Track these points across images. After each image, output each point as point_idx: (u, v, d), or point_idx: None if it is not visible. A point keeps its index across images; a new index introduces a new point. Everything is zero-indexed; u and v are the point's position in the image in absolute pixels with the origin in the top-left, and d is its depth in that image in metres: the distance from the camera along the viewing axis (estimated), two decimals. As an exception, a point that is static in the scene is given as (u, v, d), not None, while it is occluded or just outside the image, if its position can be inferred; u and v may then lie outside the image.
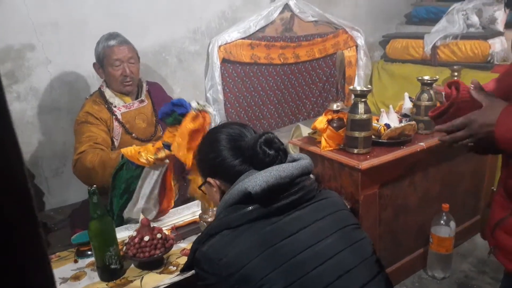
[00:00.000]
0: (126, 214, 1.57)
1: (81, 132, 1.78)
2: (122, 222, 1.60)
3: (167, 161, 1.49)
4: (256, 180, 0.95)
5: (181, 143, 1.33)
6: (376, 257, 1.02)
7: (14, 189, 0.34)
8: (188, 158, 1.33)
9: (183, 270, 1.03)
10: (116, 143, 1.89)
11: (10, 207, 0.33)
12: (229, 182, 1.03)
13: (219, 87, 2.63)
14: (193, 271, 1.27)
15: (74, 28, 2.16)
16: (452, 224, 2.00)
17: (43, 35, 2.09)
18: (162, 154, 1.44)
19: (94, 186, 1.22)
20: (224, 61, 2.63)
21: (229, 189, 1.01)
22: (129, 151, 1.49)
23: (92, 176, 1.63)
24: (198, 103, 1.34)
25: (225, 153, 1.04)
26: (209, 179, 1.08)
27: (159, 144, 1.45)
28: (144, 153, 1.45)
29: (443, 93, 2.41)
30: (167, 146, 1.41)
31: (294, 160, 1.04)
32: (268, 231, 0.93)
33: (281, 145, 1.04)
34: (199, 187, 1.19)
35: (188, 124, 1.32)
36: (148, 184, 1.52)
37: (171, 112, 1.38)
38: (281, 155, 1.03)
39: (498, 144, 0.89)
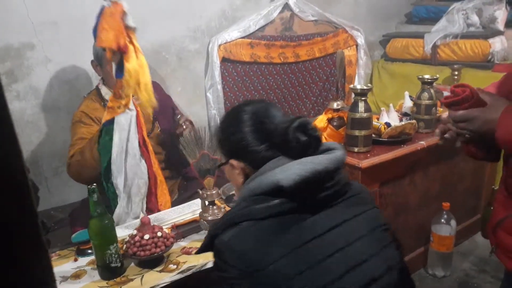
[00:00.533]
0: (114, 178, 1.59)
1: (74, 133, 1.81)
2: (115, 194, 1.62)
3: (132, 108, 1.58)
4: (288, 173, 0.86)
5: (106, 28, 1.44)
6: (403, 265, 0.96)
7: (13, 189, 0.34)
8: (111, 40, 1.42)
9: (198, 253, 0.96)
10: None
11: (10, 206, 0.33)
12: (254, 167, 0.95)
13: (219, 86, 2.63)
14: (189, 273, 1.27)
15: (73, 27, 2.15)
16: (453, 222, 2.00)
17: (42, 34, 2.09)
18: (117, 88, 1.52)
19: (94, 184, 1.21)
20: (224, 60, 2.63)
21: (255, 176, 0.93)
22: (103, 116, 1.60)
23: (83, 164, 1.66)
24: None
25: (249, 137, 0.95)
26: (232, 161, 0.99)
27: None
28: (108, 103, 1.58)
29: (444, 92, 2.41)
30: (118, 73, 1.50)
31: (327, 149, 0.94)
32: (297, 229, 0.86)
33: (315, 132, 0.94)
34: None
35: (106, 11, 1.45)
36: (121, 133, 1.56)
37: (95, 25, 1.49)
38: (315, 143, 0.93)
39: (498, 144, 0.89)
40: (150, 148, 1.68)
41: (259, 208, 0.87)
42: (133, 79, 1.47)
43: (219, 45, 2.57)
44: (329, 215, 0.90)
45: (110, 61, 1.55)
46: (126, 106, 1.56)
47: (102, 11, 1.45)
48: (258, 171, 0.93)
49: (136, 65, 1.47)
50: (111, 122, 1.57)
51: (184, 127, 1.86)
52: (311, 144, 0.92)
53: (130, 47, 1.46)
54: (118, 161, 1.58)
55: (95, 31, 1.48)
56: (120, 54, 1.46)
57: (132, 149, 1.59)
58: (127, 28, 1.45)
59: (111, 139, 1.57)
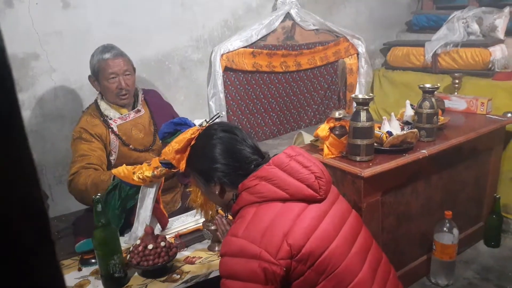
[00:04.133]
0: (127, 241, 1.55)
1: (75, 150, 1.79)
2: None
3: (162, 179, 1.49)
4: None
5: (176, 147, 1.26)
6: None
7: (31, 216, 0.35)
8: (182, 163, 1.26)
9: None
10: (114, 156, 1.87)
11: (28, 232, 0.35)
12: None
13: (222, 95, 2.64)
14: (192, 283, 1.27)
15: (78, 37, 2.18)
16: (455, 231, 2.00)
17: (47, 44, 2.11)
18: (162, 171, 1.41)
19: (99, 194, 1.22)
20: (226, 69, 2.65)
21: None
22: (121, 171, 1.47)
23: (86, 196, 1.63)
24: (205, 122, 1.29)
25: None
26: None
27: (155, 163, 1.43)
28: (139, 173, 1.43)
29: (445, 100, 2.42)
30: (166, 165, 1.38)
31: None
32: None
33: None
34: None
35: (188, 133, 1.26)
36: (147, 203, 1.49)
37: (174, 132, 1.37)
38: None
39: None
40: (161, 201, 1.62)
41: None
42: None
43: (222, 55, 2.60)
44: None
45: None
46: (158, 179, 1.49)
47: (192, 125, 1.36)
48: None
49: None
50: (135, 185, 1.48)
51: None
52: None
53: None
54: (142, 227, 1.52)
55: (166, 132, 1.40)
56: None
57: (149, 212, 1.53)
58: None
59: (128, 196, 1.50)
